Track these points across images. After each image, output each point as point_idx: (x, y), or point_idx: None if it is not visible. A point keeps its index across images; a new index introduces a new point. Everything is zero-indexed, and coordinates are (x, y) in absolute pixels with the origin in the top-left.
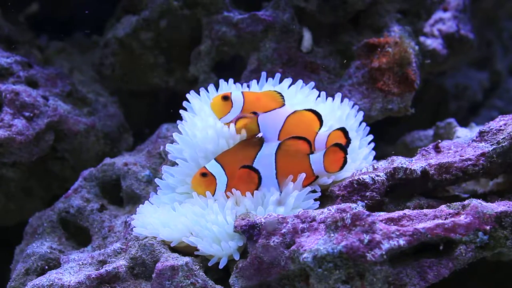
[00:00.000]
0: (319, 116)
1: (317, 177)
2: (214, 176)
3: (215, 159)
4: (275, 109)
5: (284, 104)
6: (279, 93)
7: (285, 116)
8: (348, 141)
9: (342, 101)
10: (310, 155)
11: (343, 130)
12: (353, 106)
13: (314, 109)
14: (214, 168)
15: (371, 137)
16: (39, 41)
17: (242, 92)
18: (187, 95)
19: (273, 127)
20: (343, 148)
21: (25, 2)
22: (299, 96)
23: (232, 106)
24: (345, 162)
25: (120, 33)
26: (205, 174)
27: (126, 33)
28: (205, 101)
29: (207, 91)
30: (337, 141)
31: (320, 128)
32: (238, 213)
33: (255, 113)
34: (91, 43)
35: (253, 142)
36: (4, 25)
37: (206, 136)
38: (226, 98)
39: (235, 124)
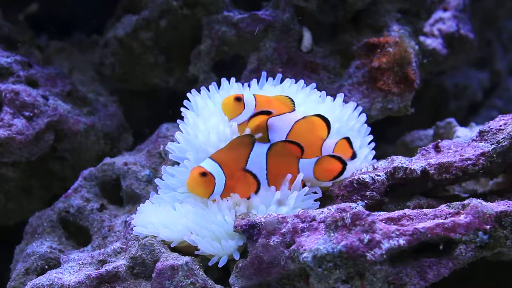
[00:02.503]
0: (327, 122)
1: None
2: (213, 176)
3: (210, 157)
4: (285, 113)
5: (294, 110)
6: (291, 98)
7: (294, 121)
8: (354, 153)
9: (344, 102)
10: (300, 160)
11: (348, 139)
12: (356, 108)
13: (324, 115)
14: (212, 167)
15: (371, 137)
16: (39, 41)
17: (253, 94)
18: (188, 94)
19: (281, 130)
20: (342, 161)
21: (25, 2)
22: (300, 95)
23: (244, 108)
24: (340, 174)
25: (120, 32)
26: (204, 174)
27: (126, 32)
28: (206, 100)
29: (208, 90)
30: (343, 151)
31: (328, 135)
32: (238, 212)
33: (269, 112)
34: (91, 43)
35: (245, 141)
36: (4, 24)
37: (208, 138)
38: (238, 99)
39: (247, 123)
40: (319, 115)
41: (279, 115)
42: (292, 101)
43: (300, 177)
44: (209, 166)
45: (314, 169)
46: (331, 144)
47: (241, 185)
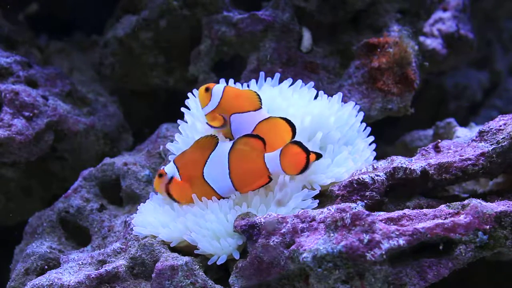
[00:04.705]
0: (292, 126)
1: (271, 179)
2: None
3: (173, 160)
4: (249, 111)
5: (260, 108)
6: (258, 95)
7: (258, 121)
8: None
9: (342, 101)
10: (265, 154)
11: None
12: (354, 107)
13: (288, 118)
14: (170, 169)
15: (372, 138)
16: (38, 41)
17: (224, 86)
18: (189, 94)
19: (244, 129)
20: (305, 149)
21: (25, 2)
22: (296, 96)
23: (210, 99)
24: (307, 165)
25: (120, 33)
26: (161, 175)
27: (126, 33)
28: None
29: None
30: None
31: (292, 139)
32: (239, 212)
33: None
34: (91, 43)
35: (208, 142)
36: (4, 24)
37: None
38: (207, 89)
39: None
40: (284, 118)
41: (242, 112)
42: (259, 98)
43: (300, 177)
44: (168, 168)
45: (280, 162)
46: None
47: (195, 189)
